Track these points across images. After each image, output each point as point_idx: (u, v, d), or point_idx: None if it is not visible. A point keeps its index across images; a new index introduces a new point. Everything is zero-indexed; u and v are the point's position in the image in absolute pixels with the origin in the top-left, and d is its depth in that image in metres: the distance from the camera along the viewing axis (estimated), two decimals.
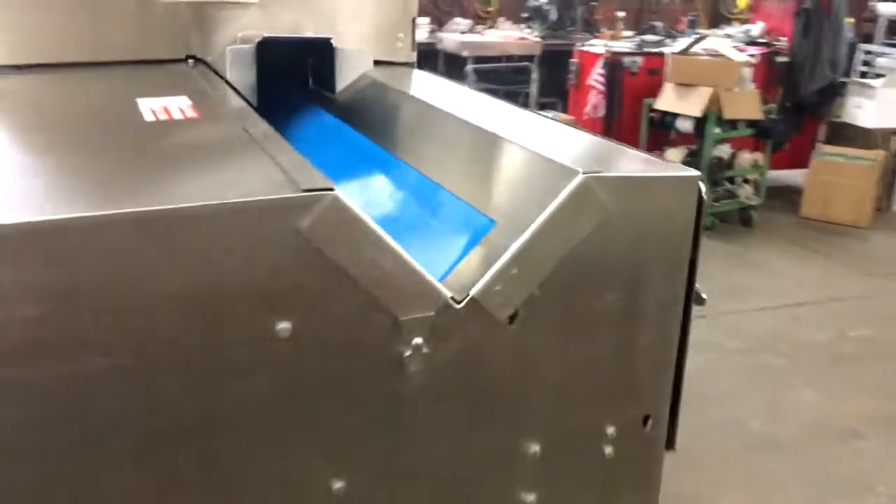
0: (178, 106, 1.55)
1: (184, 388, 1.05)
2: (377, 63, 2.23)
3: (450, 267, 1.27)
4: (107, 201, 1.02)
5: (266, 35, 1.94)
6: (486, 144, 1.42)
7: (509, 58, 8.05)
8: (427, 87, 1.97)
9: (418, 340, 1.18)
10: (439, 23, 8.78)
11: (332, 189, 1.07)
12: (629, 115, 6.44)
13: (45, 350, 0.96)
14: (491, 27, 8.99)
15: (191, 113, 1.49)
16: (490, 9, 9.23)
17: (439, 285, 1.17)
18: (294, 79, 2.08)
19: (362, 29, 2.22)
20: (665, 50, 6.39)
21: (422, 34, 8.45)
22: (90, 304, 0.97)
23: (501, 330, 1.23)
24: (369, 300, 1.13)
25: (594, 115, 6.72)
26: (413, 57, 2.28)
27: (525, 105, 7.61)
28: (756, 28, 6.79)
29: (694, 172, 1.30)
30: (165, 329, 1.02)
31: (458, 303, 1.19)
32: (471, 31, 8.68)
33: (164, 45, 2.05)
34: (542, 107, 7.54)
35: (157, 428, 1.05)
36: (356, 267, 1.11)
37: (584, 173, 1.22)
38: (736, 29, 7.22)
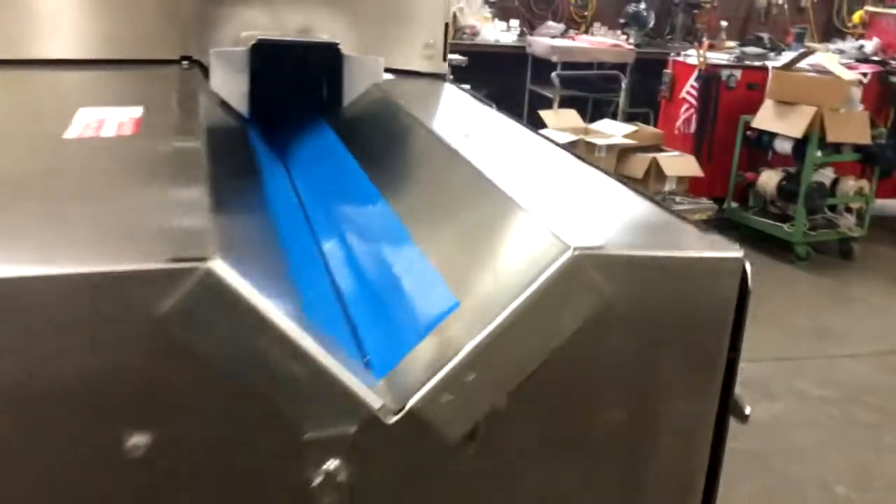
0: (120, 120, 1.28)
1: None
2: (401, 73, 1.93)
3: (388, 362, 0.96)
4: None
5: (261, 37, 1.65)
6: (477, 194, 1.10)
7: (601, 65, 7.65)
8: (443, 107, 1.65)
9: (332, 465, 0.87)
10: (531, 26, 8.44)
11: (203, 259, 0.77)
12: (724, 132, 5.98)
13: None
14: (585, 32, 8.60)
15: (126, 130, 1.23)
16: (585, 13, 8.83)
17: (364, 391, 0.86)
18: (307, 88, 1.79)
19: (385, 33, 1.93)
20: (767, 63, 5.89)
21: (511, 37, 8.13)
22: None
23: (453, 453, 0.91)
24: (262, 409, 0.83)
25: (685, 131, 6.29)
26: (444, 67, 1.97)
27: (614, 115, 7.20)
28: (870, 44, 6.20)
29: (735, 252, 0.95)
30: None
31: (391, 415, 0.88)
32: (563, 35, 8.30)
33: (157, 45, 1.81)
34: (631, 118, 7.11)
35: None
36: (242, 368, 0.81)
37: (575, 249, 0.89)
38: (849, 44, 6.63)
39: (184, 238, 0.81)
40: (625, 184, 1.19)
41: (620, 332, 0.93)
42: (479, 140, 1.37)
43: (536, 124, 6.36)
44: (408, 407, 0.88)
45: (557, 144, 1.40)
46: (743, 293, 0.97)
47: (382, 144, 1.49)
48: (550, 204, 1.03)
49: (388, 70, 1.90)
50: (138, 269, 0.76)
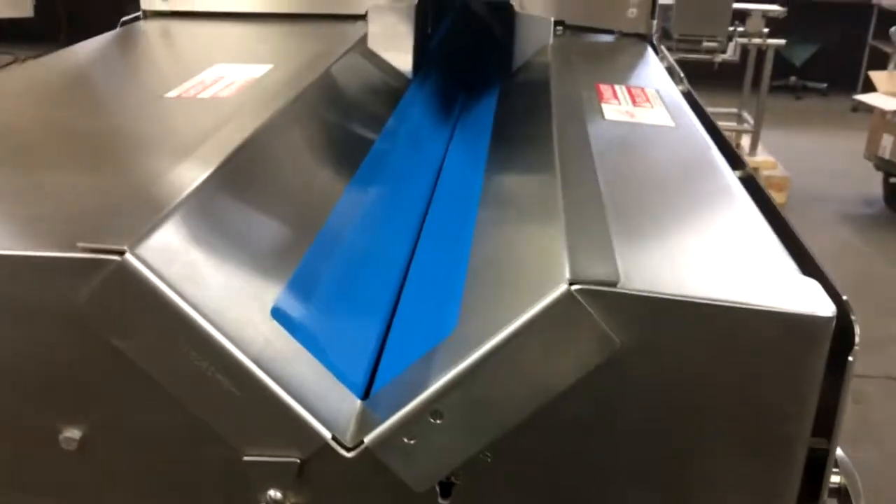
0: (233, 79, 1.25)
1: None
2: (599, 31, 1.71)
3: (376, 387, 0.83)
4: None
5: None
6: (546, 198, 0.91)
7: None
8: (607, 75, 1.41)
9: (275, 494, 0.77)
10: None
11: (122, 252, 0.69)
12: None
13: None
14: None
15: (227, 91, 1.19)
16: None
17: (310, 419, 0.74)
18: (483, 48, 1.66)
19: None
20: None
21: None
22: None
23: (424, 502, 0.76)
24: (192, 422, 0.75)
25: None
26: (650, 27, 1.71)
27: None
28: None
29: (821, 310, 0.67)
30: None
31: (349, 450, 0.75)
32: None
33: (339, 1, 1.77)
34: None
35: None
36: (169, 374, 0.73)
37: (571, 283, 0.68)
38: None
39: (123, 223, 0.73)
40: (765, 205, 0.92)
41: (643, 393, 0.71)
42: (610, 121, 1.15)
43: (869, 86, 5.55)
44: (365, 443, 0.74)
45: (721, 141, 1.12)
46: (838, 358, 0.69)
47: (515, 120, 1.31)
48: (613, 223, 0.81)
49: (586, 28, 1.70)
50: (55, 255, 0.71)
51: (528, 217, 0.91)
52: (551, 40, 1.50)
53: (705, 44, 5.34)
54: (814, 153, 6.24)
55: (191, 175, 0.86)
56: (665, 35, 5.20)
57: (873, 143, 5.18)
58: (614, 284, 0.68)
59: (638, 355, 0.69)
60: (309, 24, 1.71)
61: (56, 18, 6.89)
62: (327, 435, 0.74)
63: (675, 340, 0.69)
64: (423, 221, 1.21)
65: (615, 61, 1.56)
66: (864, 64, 6.84)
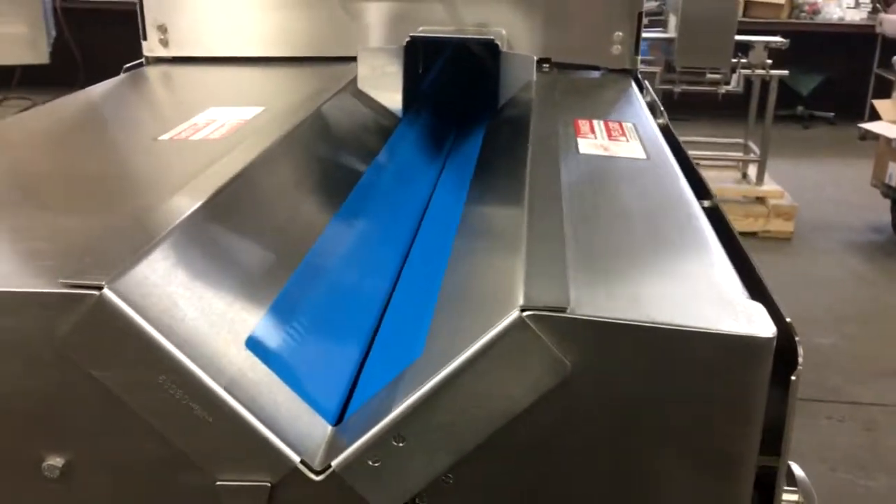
0: (225, 121, 1.31)
1: None
2: (584, 67, 1.76)
3: (347, 412, 0.86)
4: None
5: (413, 34, 1.60)
6: (512, 230, 0.95)
7: None
8: (590, 109, 1.46)
9: None
10: (886, 2, 7.41)
11: (100, 287, 0.74)
12: None
13: None
14: None
15: (219, 133, 1.24)
16: None
17: (278, 443, 0.78)
18: (471, 86, 1.71)
19: (567, 25, 1.77)
20: None
21: (859, 14, 7.22)
22: None
23: None
24: (169, 449, 0.78)
25: None
26: (634, 63, 1.76)
27: None
28: None
29: (764, 332, 0.71)
30: None
31: (317, 474, 0.78)
32: None
33: (337, 42, 1.84)
34: None
35: None
36: (143, 402, 0.77)
37: (522, 310, 0.72)
38: None
39: (103, 258, 0.78)
40: (727, 234, 0.96)
41: (595, 415, 0.74)
42: (584, 155, 1.19)
43: (876, 114, 5.57)
44: (332, 467, 0.78)
45: (691, 171, 1.16)
46: (780, 381, 0.72)
47: (495, 155, 1.36)
48: (574, 251, 0.85)
49: (569, 66, 1.75)
50: (38, 291, 0.75)
51: (494, 248, 0.95)
52: (534, 77, 1.55)
53: (709, 76, 5.39)
54: (821, 182, 6.25)
55: (172, 213, 0.90)
56: (668, 68, 5.26)
57: (880, 169, 5.20)
58: (563, 310, 0.72)
59: (588, 378, 0.73)
60: (302, 67, 1.77)
61: (72, 63, 7.05)
62: (296, 459, 0.78)
63: (622, 363, 0.73)
64: (408, 253, 1.25)
65: (597, 97, 1.61)
66: (871, 92, 6.87)
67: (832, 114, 7.56)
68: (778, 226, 5.25)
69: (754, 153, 5.58)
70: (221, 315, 0.84)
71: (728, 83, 5.38)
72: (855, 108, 7.11)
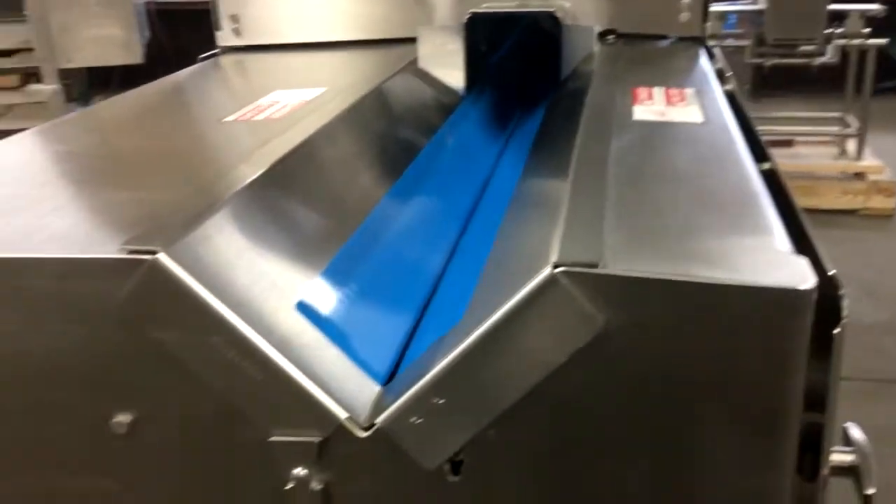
0: (287, 102, 1.35)
1: None
2: (652, 37, 1.74)
3: (393, 370, 0.89)
4: None
5: (474, 11, 1.61)
6: (552, 187, 0.96)
7: None
8: (650, 78, 1.44)
9: (301, 472, 0.83)
10: None
11: (154, 252, 0.78)
12: None
13: None
14: None
15: (279, 114, 1.29)
16: None
17: (327, 401, 0.81)
18: (533, 60, 1.72)
19: None
20: None
21: None
22: None
23: (435, 482, 0.82)
24: (225, 406, 0.82)
25: None
26: (703, 29, 1.72)
27: None
28: None
29: (802, 284, 0.69)
30: None
31: (364, 430, 0.81)
32: None
33: (400, 24, 1.86)
34: None
35: None
36: (199, 361, 0.81)
37: (555, 267, 0.73)
38: None
39: (161, 227, 0.82)
40: (780, 192, 0.94)
41: (633, 370, 0.75)
42: (639, 121, 1.18)
43: None
44: (377, 424, 0.80)
45: (753, 136, 1.14)
46: (821, 331, 0.71)
47: (554, 124, 1.36)
48: (615, 211, 0.85)
49: (636, 36, 1.73)
50: (95, 258, 0.80)
51: (538, 213, 0.96)
52: (595, 49, 1.54)
53: (802, 48, 5.20)
54: None
55: (229, 184, 0.95)
56: (759, 41, 5.10)
57: None
58: (595, 266, 0.72)
59: (623, 333, 0.73)
60: (367, 50, 1.80)
61: (166, 61, 7.32)
62: (342, 416, 0.81)
63: (657, 318, 0.72)
64: (467, 225, 1.27)
65: (661, 65, 1.58)
66: None
67: None
68: (878, 202, 5.02)
69: (853, 127, 5.35)
70: (273, 280, 0.88)
71: (822, 55, 5.17)
72: None
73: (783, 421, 0.73)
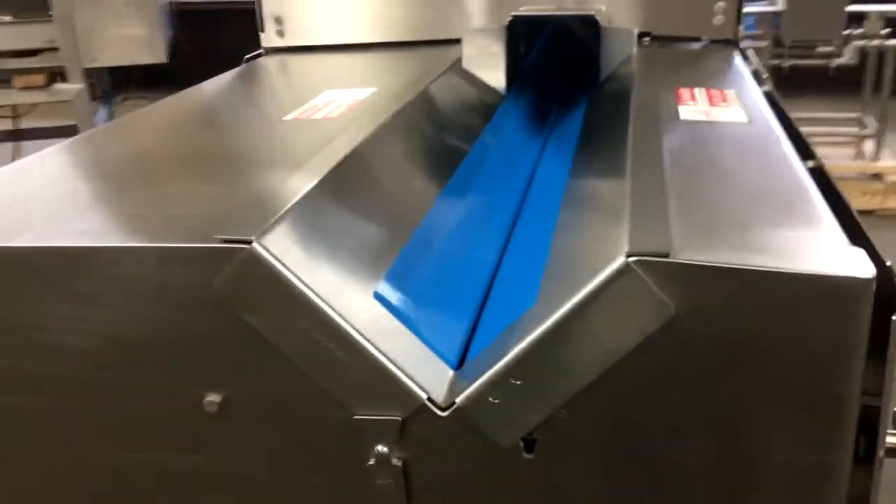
0: (342, 101, 1.41)
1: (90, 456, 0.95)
2: (686, 40, 1.79)
3: (469, 356, 0.94)
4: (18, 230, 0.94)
5: (515, 14, 1.66)
6: (611, 181, 1.01)
7: None
8: (690, 79, 1.49)
9: (382, 448, 0.89)
10: None
11: (249, 242, 0.84)
12: None
13: None
14: None
15: (338, 111, 1.34)
16: None
17: (408, 382, 0.86)
18: (571, 61, 1.77)
19: None
20: None
21: None
22: None
23: (509, 460, 0.87)
24: (312, 387, 0.88)
25: None
26: (736, 32, 1.77)
27: None
28: None
29: (864, 273, 0.75)
30: (76, 380, 0.93)
31: (442, 410, 0.87)
32: None
33: (442, 25, 1.92)
34: None
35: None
36: (289, 345, 0.87)
37: (628, 256, 0.78)
38: None
39: (251, 218, 0.88)
40: (827, 187, 0.99)
41: (700, 354, 0.80)
42: (687, 120, 1.23)
43: None
44: (456, 403, 0.86)
45: (796, 135, 1.19)
46: (880, 318, 0.76)
47: (599, 124, 1.41)
48: (679, 205, 0.91)
49: (673, 38, 1.78)
50: (193, 246, 0.86)
51: (600, 206, 1.01)
52: (634, 50, 1.59)
53: (820, 49, 5.24)
54: None
55: (303, 181, 1.00)
56: (777, 43, 5.13)
57: None
58: (667, 255, 0.78)
59: (691, 318, 0.78)
60: (410, 51, 1.86)
61: (188, 61, 7.38)
62: (423, 396, 0.86)
63: (723, 305, 0.78)
64: (516, 220, 1.32)
65: (698, 67, 1.63)
66: None
67: None
68: None
69: (869, 128, 5.38)
70: (352, 269, 0.94)
71: (840, 55, 5.21)
72: None
73: (844, 404, 0.78)
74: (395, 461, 0.89)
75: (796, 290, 0.76)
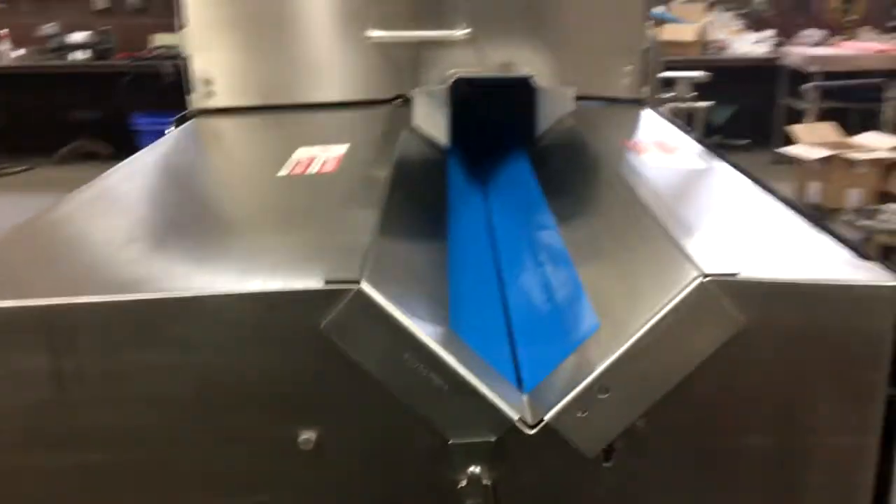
0: (326, 157, 1.46)
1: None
2: (601, 99, 1.98)
3: (535, 378, 1.03)
4: (109, 283, 0.94)
5: (460, 75, 1.79)
6: (632, 221, 1.14)
7: (867, 73, 7.09)
8: (631, 135, 1.68)
9: (475, 469, 0.95)
10: (786, 36, 8.02)
11: (356, 282, 0.89)
12: None
13: (35, 442, 0.92)
14: (850, 39, 8.02)
15: (329, 167, 1.40)
16: (850, 17, 8.22)
17: (502, 405, 0.94)
18: (507, 119, 1.91)
19: (584, 63, 1.99)
20: None
21: (763, 49, 7.78)
22: (81, 394, 0.91)
23: (591, 468, 0.96)
24: (410, 416, 0.93)
25: None
26: (644, 93, 1.99)
27: (880, 127, 6.63)
28: None
29: (890, 281, 0.91)
30: (167, 429, 0.93)
31: (530, 428, 0.95)
32: (823, 43, 7.82)
33: (374, 86, 2.00)
34: None
35: None
36: (391, 376, 0.92)
37: (704, 276, 0.91)
38: None
39: (344, 262, 0.93)
40: (803, 213, 1.17)
41: (760, 359, 0.94)
42: (655, 167, 1.40)
43: (789, 141, 6.05)
44: (545, 420, 0.94)
45: (748, 174, 1.38)
46: None
47: (564, 173, 1.55)
48: (702, 231, 1.05)
49: (589, 97, 1.96)
50: (302, 289, 0.90)
51: (626, 238, 1.14)
52: (573, 108, 1.75)
53: None
54: None
55: (364, 227, 1.06)
56: None
57: (800, 190, 5.65)
58: (736, 274, 0.91)
59: (755, 328, 0.92)
60: (341, 111, 1.93)
61: None
62: (514, 417, 0.94)
63: (784, 314, 0.92)
64: (498, 262, 1.42)
65: (629, 123, 1.83)
66: (779, 120, 7.40)
67: (746, 141, 8.08)
68: None
69: None
70: (429, 302, 1.01)
71: None
72: (765, 135, 7.63)
73: (876, 392, 0.94)
74: (485, 481, 0.96)
75: (844, 297, 0.92)
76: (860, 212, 5.14)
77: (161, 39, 7.64)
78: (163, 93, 7.22)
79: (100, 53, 7.76)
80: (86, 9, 7.99)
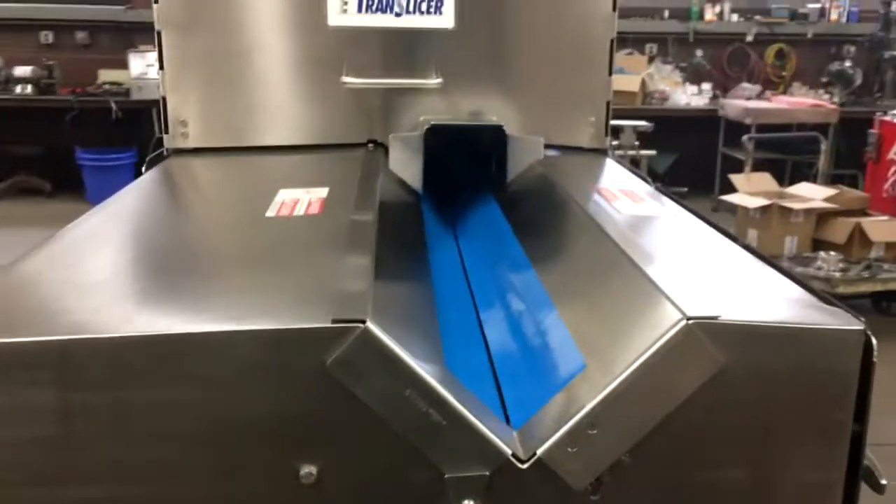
0: (309, 199, 1.50)
1: None
2: (565, 149, 2.07)
3: (523, 416, 1.08)
4: (118, 320, 0.97)
5: (434, 122, 1.85)
6: (610, 265, 1.21)
7: (802, 126, 7.40)
8: (597, 182, 1.76)
9: (469, 503, 0.99)
10: (724, 88, 8.34)
11: (362, 321, 0.93)
12: None
13: (42, 477, 0.93)
14: (783, 93, 8.38)
15: (314, 209, 1.44)
16: (784, 73, 8.59)
17: (497, 440, 0.98)
18: (477, 165, 1.98)
19: (550, 113, 2.08)
20: None
21: (702, 100, 8.07)
22: (90, 429, 0.92)
23: (579, 501, 1.01)
24: (408, 450, 0.97)
25: (895, 194, 6.00)
26: (606, 143, 2.09)
27: (814, 178, 6.93)
28: None
29: (855, 325, 0.99)
30: (171, 464, 0.95)
31: (523, 462, 0.99)
32: (759, 96, 8.14)
33: (346, 130, 2.06)
34: (836, 180, 6.87)
35: None
36: (391, 411, 0.96)
37: (688, 319, 0.97)
38: None
39: (348, 302, 0.97)
40: (765, 259, 1.25)
41: (737, 397, 1.00)
42: (626, 214, 1.47)
43: (727, 189, 6.28)
44: (537, 455, 0.99)
45: (706, 220, 1.47)
46: (866, 362, 1.00)
47: (537, 218, 1.62)
48: (678, 276, 1.12)
49: (553, 146, 2.04)
50: (310, 327, 0.94)
51: (607, 282, 1.20)
52: (542, 156, 1.83)
53: None
54: None
55: (361, 269, 1.10)
56: None
57: (739, 237, 5.84)
58: (717, 317, 0.98)
59: (733, 367, 0.98)
60: (315, 153, 1.98)
61: None
62: (508, 452, 0.99)
63: (758, 355, 0.99)
64: (474, 299, 1.48)
65: (594, 171, 1.91)
66: (718, 168, 7.67)
67: (686, 188, 8.33)
68: None
69: None
70: (425, 340, 1.05)
71: None
72: (705, 183, 7.88)
73: (843, 430, 1.02)
74: None
75: (815, 339, 0.99)
76: (795, 259, 5.35)
77: (107, 76, 7.57)
78: (107, 129, 7.18)
79: (44, 88, 7.65)
80: (32, 43, 7.89)
